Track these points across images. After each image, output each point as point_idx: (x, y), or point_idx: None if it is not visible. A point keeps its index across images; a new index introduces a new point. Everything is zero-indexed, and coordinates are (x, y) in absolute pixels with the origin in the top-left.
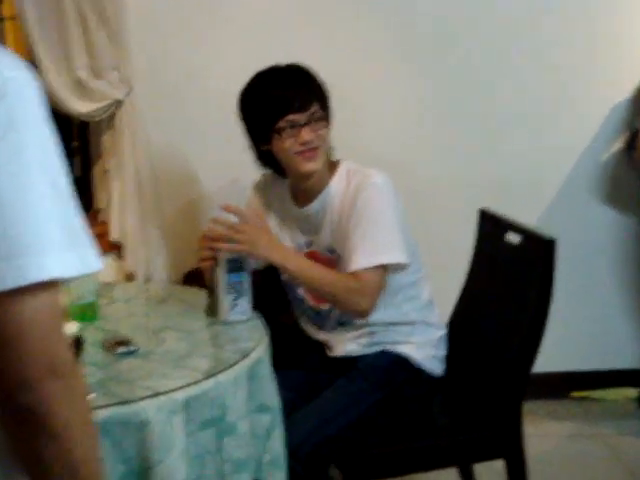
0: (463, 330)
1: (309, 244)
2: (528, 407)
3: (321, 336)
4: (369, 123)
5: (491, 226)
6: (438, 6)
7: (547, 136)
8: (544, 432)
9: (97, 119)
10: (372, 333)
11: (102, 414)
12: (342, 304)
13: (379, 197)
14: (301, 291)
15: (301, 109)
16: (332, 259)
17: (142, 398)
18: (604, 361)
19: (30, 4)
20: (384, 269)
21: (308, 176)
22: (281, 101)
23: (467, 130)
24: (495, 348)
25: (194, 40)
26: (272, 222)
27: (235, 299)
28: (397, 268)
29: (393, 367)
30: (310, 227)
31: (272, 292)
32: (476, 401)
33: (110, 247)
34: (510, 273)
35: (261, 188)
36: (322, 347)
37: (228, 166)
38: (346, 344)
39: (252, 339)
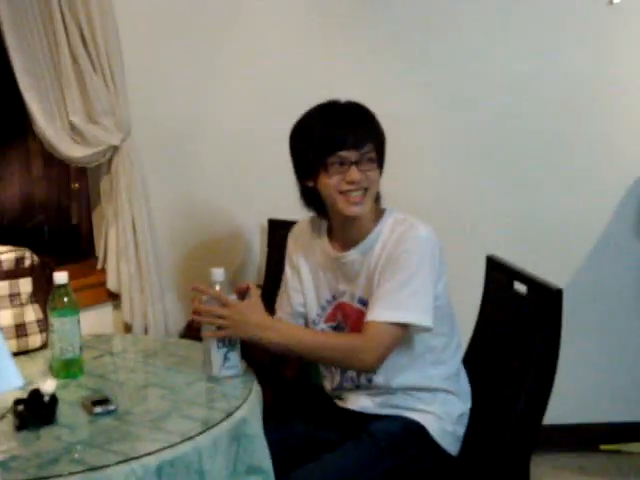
0: (472, 380)
1: (342, 294)
2: (555, 461)
3: (334, 387)
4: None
5: (499, 274)
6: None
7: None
8: None
9: (93, 165)
10: (390, 395)
11: None
12: (346, 365)
13: (419, 252)
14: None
15: (354, 147)
16: (363, 312)
17: (111, 464)
18: (635, 413)
19: (18, 49)
20: (402, 327)
21: (352, 220)
22: (335, 136)
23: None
24: (503, 401)
25: (194, 85)
26: (307, 269)
27: (226, 353)
28: (419, 330)
29: (407, 436)
30: (346, 275)
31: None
32: (484, 459)
33: (108, 296)
34: (518, 323)
35: (297, 235)
36: (330, 398)
37: (231, 212)
38: (360, 398)
39: (239, 397)
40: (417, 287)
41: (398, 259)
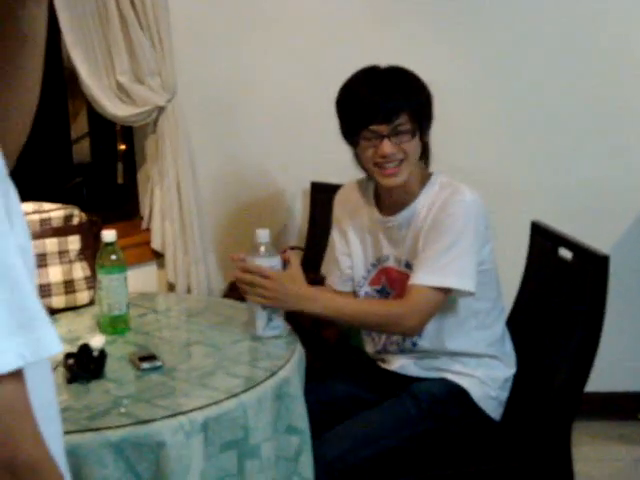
0: (515, 347)
1: (387, 258)
2: (593, 428)
3: (377, 349)
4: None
5: (544, 240)
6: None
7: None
8: (610, 456)
9: (138, 124)
10: (435, 358)
11: (116, 435)
12: (389, 330)
13: (464, 216)
14: None
15: (385, 120)
16: (409, 275)
17: (159, 418)
18: None
19: (65, 7)
20: (444, 292)
21: (390, 189)
22: (366, 109)
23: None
24: (546, 368)
25: (240, 48)
26: (354, 233)
27: (270, 314)
28: (463, 294)
29: (450, 399)
30: (392, 239)
31: None
32: (526, 425)
33: (152, 255)
34: (563, 289)
35: (343, 199)
36: (372, 360)
37: (274, 175)
38: (403, 360)
39: (282, 357)
40: (461, 251)
41: (443, 223)
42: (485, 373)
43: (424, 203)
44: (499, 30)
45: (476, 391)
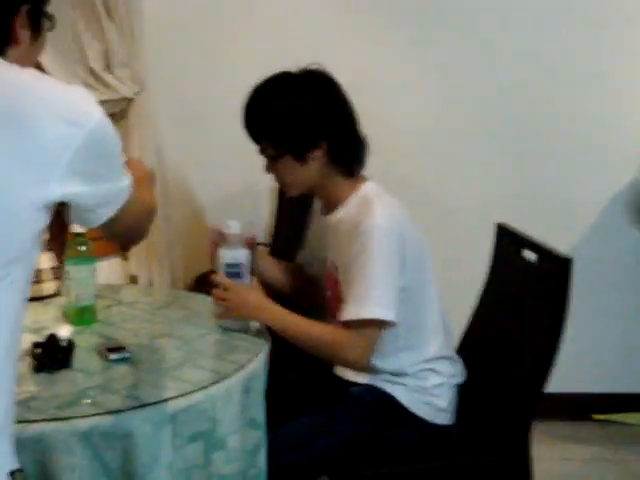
0: (476, 348)
1: (327, 257)
2: (548, 428)
3: None
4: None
5: (508, 242)
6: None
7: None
8: (564, 455)
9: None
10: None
11: (84, 424)
12: (332, 359)
13: (376, 244)
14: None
15: (255, 141)
16: (334, 276)
17: (128, 409)
18: (628, 384)
19: None
20: (375, 323)
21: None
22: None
23: (495, 143)
24: (507, 369)
25: (212, 43)
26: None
27: None
28: (386, 325)
29: (379, 405)
30: (327, 238)
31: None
32: (485, 424)
33: (116, 248)
34: (525, 291)
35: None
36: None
37: (241, 171)
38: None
39: (250, 351)
40: (380, 281)
41: (357, 253)
42: (414, 382)
43: (349, 212)
44: (442, 31)
45: (404, 398)
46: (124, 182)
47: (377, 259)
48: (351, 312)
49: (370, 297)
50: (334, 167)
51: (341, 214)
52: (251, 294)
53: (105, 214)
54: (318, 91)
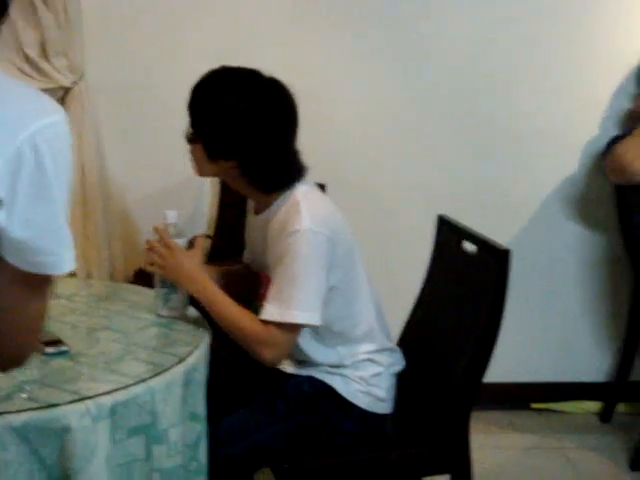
0: (417, 338)
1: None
2: (487, 417)
3: None
4: (332, 124)
5: (448, 233)
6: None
7: (520, 143)
8: (503, 444)
9: None
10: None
11: (19, 419)
12: (248, 350)
13: (301, 248)
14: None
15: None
16: (261, 276)
17: (65, 403)
18: (566, 373)
19: None
20: (296, 325)
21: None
22: None
23: (438, 136)
24: (446, 359)
25: (154, 34)
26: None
27: (167, 294)
28: (309, 326)
29: (317, 396)
30: (259, 239)
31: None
32: (424, 414)
33: None
34: (465, 282)
35: None
36: None
37: (184, 161)
38: None
39: (190, 343)
40: (301, 283)
41: (282, 256)
42: (352, 372)
43: (277, 213)
44: (393, 32)
45: (343, 388)
46: None
47: (303, 261)
48: (274, 313)
49: (294, 300)
50: (246, 180)
51: (269, 215)
52: (188, 262)
53: None
54: (255, 100)
